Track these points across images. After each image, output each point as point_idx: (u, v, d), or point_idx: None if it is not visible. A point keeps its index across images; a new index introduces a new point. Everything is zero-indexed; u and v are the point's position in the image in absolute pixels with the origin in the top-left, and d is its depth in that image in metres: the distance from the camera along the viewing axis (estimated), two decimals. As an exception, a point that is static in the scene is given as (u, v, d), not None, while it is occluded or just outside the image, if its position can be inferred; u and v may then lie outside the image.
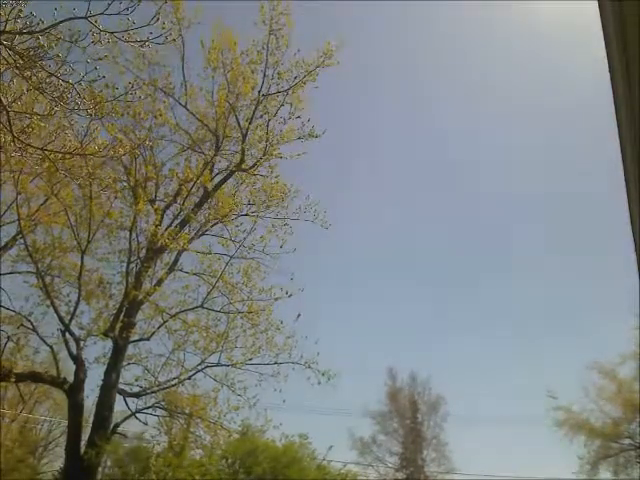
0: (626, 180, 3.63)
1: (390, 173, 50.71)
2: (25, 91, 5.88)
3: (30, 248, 15.11)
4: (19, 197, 14.72)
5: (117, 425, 15.44)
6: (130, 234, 15.33)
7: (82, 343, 14.93)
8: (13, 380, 14.50)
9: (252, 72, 15.67)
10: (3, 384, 16.58)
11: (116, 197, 15.64)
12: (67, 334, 14.87)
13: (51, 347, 15.14)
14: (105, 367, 15.07)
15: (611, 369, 26.54)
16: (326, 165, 39.29)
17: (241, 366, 15.72)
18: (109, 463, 16.37)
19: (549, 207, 48.84)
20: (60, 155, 6.31)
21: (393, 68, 43.36)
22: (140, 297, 15.19)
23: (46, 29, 5.53)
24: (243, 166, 16.28)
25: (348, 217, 45.59)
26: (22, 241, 15.31)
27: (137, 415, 15.61)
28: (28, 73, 5.57)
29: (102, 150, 6.18)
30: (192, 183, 15.86)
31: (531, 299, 47.64)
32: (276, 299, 15.82)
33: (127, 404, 15.73)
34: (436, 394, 39.58)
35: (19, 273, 15.64)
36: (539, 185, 46.58)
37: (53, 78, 5.55)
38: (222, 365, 15.87)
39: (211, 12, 15.68)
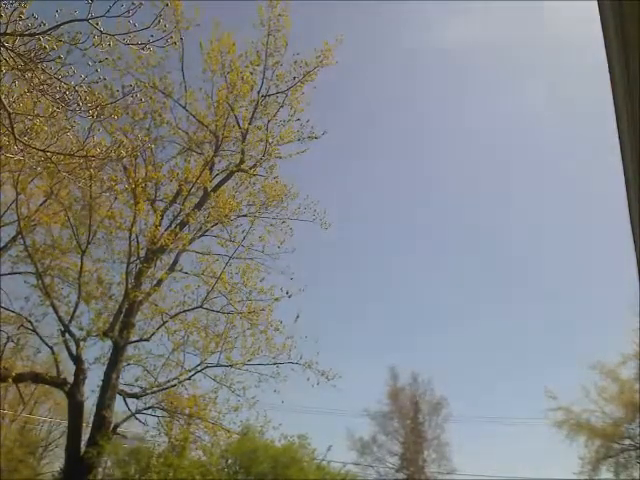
0: (626, 180, 3.65)
1: (390, 176, 50.73)
2: (27, 92, 5.89)
3: (30, 249, 15.11)
4: (19, 197, 14.72)
5: (117, 426, 15.44)
6: (130, 235, 15.33)
7: (82, 344, 14.93)
8: (13, 381, 14.50)
9: (251, 73, 15.70)
10: (3, 384, 16.57)
11: (116, 198, 15.64)
12: (67, 335, 14.88)
13: (51, 348, 15.14)
14: (105, 367, 15.08)
15: (612, 369, 26.54)
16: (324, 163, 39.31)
17: (240, 366, 15.74)
18: (109, 463, 16.36)
19: (549, 208, 48.92)
20: (62, 157, 6.32)
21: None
22: (140, 298, 15.19)
23: (47, 31, 5.53)
24: (243, 166, 16.30)
25: (349, 216, 45.62)
26: (22, 241, 15.33)
27: (137, 416, 15.64)
28: (29, 75, 5.58)
29: (105, 152, 6.18)
30: (192, 183, 15.87)
31: (531, 299, 47.77)
32: (276, 300, 15.83)
33: (127, 405, 15.77)
34: (439, 395, 39.44)
35: (19, 274, 15.65)
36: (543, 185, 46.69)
37: (54, 80, 5.55)
38: (221, 366, 15.89)
39: (210, 13, 15.70)
